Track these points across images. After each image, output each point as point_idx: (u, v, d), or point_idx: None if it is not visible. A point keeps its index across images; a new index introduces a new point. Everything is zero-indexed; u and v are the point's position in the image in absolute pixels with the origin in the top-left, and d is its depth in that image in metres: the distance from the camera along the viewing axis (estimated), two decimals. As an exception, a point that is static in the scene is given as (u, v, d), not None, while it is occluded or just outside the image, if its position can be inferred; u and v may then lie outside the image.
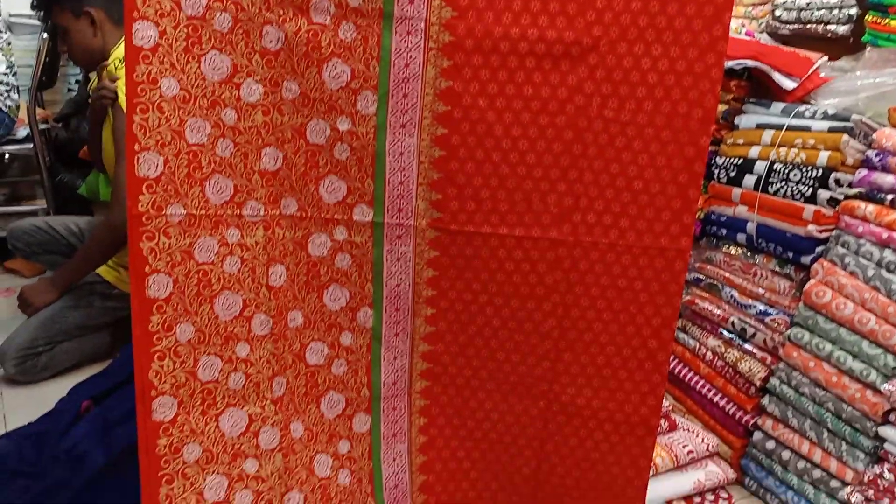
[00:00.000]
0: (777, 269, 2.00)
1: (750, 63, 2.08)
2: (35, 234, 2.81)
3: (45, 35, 3.34)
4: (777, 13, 2.54)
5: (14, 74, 3.49)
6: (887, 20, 2.20)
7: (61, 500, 1.83)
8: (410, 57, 1.39)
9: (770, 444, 1.98)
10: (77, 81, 3.89)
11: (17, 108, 3.57)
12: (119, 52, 2.41)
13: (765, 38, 2.53)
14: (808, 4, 2.44)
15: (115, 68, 2.41)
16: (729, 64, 2.10)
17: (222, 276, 1.40)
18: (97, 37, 2.41)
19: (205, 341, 1.40)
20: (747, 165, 2.07)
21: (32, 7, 2.47)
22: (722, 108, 2.16)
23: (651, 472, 1.72)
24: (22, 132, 3.60)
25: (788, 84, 2.06)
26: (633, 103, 1.41)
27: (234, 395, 1.44)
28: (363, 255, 1.49)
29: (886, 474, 1.69)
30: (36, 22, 3.66)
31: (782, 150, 1.99)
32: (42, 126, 3.59)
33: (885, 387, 1.69)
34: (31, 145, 3.48)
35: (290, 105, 1.38)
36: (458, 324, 1.55)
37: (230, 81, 1.33)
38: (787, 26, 2.52)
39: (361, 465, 1.60)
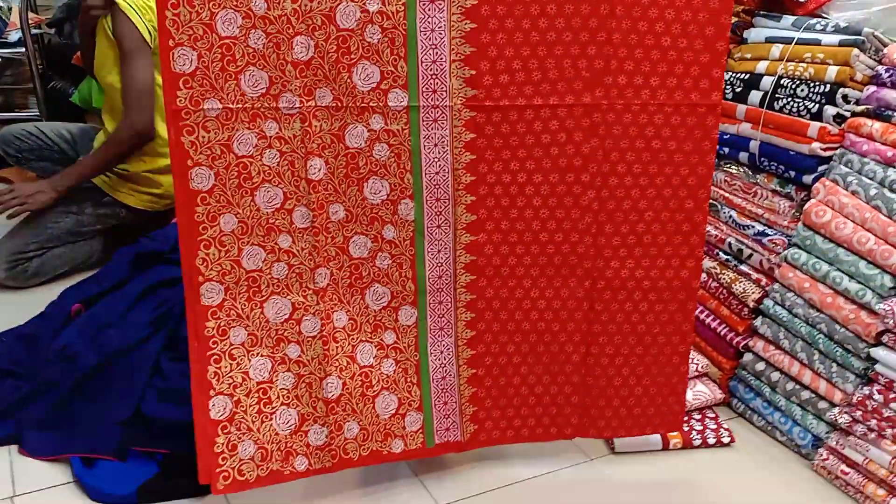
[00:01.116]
0: (778, 188, 1.96)
1: (762, -27, 2.00)
2: (26, 140, 2.78)
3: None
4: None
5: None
6: (908, -67, 2.10)
7: (52, 400, 1.85)
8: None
9: (760, 366, 1.97)
10: (71, -15, 3.78)
11: (9, 10, 3.49)
12: None
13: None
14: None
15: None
16: (740, -27, 2.03)
17: (262, 169, 1.44)
18: None
19: (248, 232, 1.46)
20: (754, 81, 2.00)
21: None
22: (732, 20, 2.08)
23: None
24: (14, 36, 3.53)
25: (800, -4, 1.98)
26: None
27: (277, 284, 1.50)
28: (401, 143, 1.49)
29: (875, 395, 1.69)
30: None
31: (790, 65, 1.92)
32: (34, 31, 3.51)
33: (880, 306, 1.67)
34: (23, 50, 3.42)
35: None
36: (498, 208, 1.56)
37: None
38: (804, -61, 2.41)
39: (407, 355, 1.62)
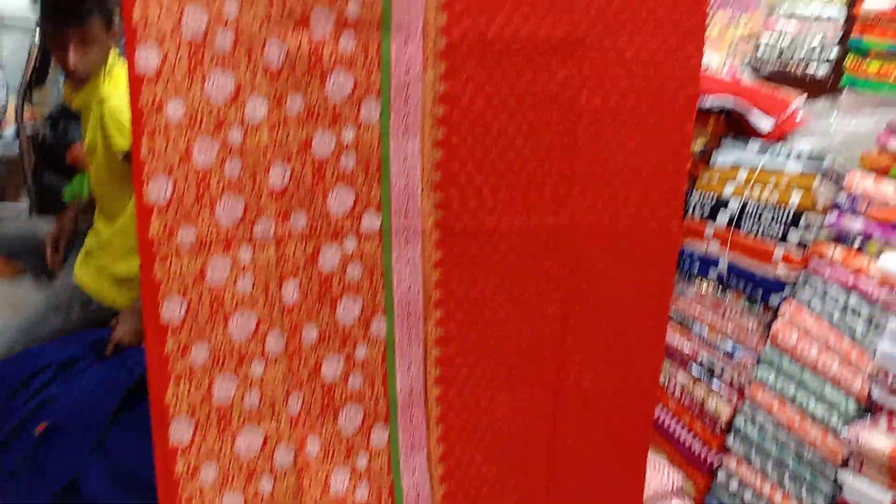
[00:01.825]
0: (746, 307, 2.01)
1: (728, 102, 2.09)
2: (17, 235, 2.80)
3: (38, 37, 3.35)
4: (760, 51, 2.56)
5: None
6: (867, 64, 2.21)
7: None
8: (410, 63, 1.42)
9: (734, 484, 1.98)
10: (68, 83, 3.89)
11: (5, 108, 3.58)
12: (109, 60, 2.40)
13: (748, 74, 2.55)
14: (790, 45, 2.46)
15: (103, 79, 2.40)
16: (707, 102, 2.12)
17: (235, 296, 1.41)
18: (94, 50, 2.29)
19: (220, 362, 1.42)
20: (721, 203, 2.08)
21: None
22: (699, 144, 2.17)
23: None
24: (9, 131, 3.61)
25: (765, 124, 2.07)
26: (619, 93, 1.47)
27: (249, 414, 1.46)
28: (373, 263, 1.51)
29: (844, 519, 1.70)
30: (29, 20, 3.67)
31: (756, 190, 2.00)
32: (29, 127, 3.59)
33: (844, 434, 1.69)
34: (17, 145, 3.48)
35: (294, 120, 1.40)
36: (466, 323, 1.58)
37: (235, 100, 1.35)
38: (770, 65, 2.53)
39: (381, 478, 1.61)
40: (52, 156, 3.62)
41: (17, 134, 3.46)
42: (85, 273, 2.53)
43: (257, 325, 1.45)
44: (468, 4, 1.39)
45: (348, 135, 1.43)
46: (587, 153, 1.50)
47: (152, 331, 1.37)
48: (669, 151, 1.51)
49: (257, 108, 1.37)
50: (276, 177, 1.40)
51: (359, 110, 1.42)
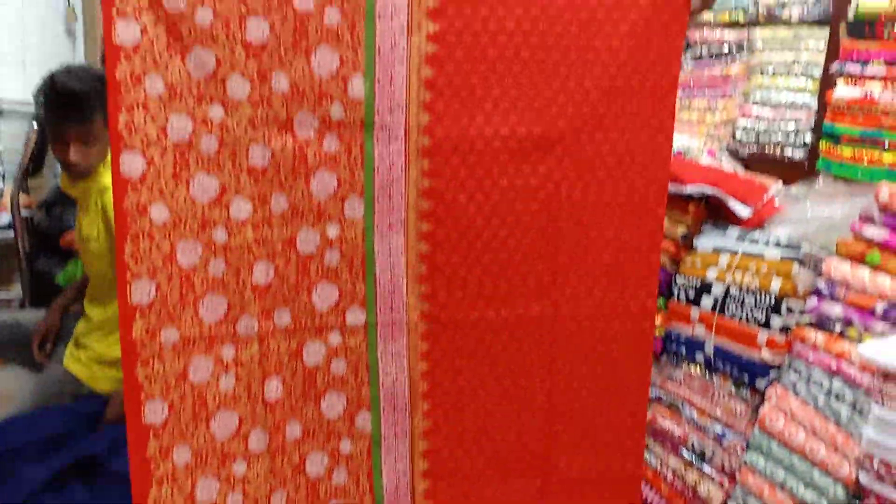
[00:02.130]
0: (733, 391, 2.04)
1: (707, 189, 2.16)
2: (3, 330, 2.81)
3: (36, 124, 3.42)
4: (738, 135, 2.65)
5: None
6: (840, 149, 2.29)
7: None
8: (393, 161, 1.47)
9: (728, 568, 1.98)
10: (63, 169, 3.94)
11: (0, 195, 3.62)
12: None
13: (727, 157, 2.63)
14: (766, 129, 2.55)
15: (103, 167, 2.44)
16: (687, 189, 2.19)
17: (218, 395, 1.44)
18: (95, 147, 2.35)
19: (202, 463, 1.43)
20: (705, 287, 2.13)
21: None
22: (681, 230, 2.23)
23: None
24: (4, 218, 3.64)
25: (743, 212, 2.14)
26: (596, 184, 1.54)
27: None
28: (358, 357, 1.53)
29: None
30: (26, 108, 3.74)
31: (738, 275, 2.05)
32: (25, 213, 3.63)
33: (834, 519, 1.71)
34: (12, 232, 3.52)
35: (279, 218, 1.44)
36: (454, 413, 1.60)
37: (219, 201, 1.40)
38: (747, 148, 2.62)
39: None
40: (46, 241, 3.66)
41: (13, 220, 3.49)
42: (75, 361, 2.54)
43: (240, 423, 1.47)
44: (449, 105, 1.46)
45: (332, 232, 1.47)
46: (568, 243, 1.56)
47: (134, 434, 1.38)
48: (644, 236, 1.58)
49: (241, 208, 1.41)
50: (260, 274, 1.44)
51: (343, 208, 1.47)
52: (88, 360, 2.55)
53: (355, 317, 1.51)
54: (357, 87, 1.41)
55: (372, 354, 1.54)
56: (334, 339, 1.51)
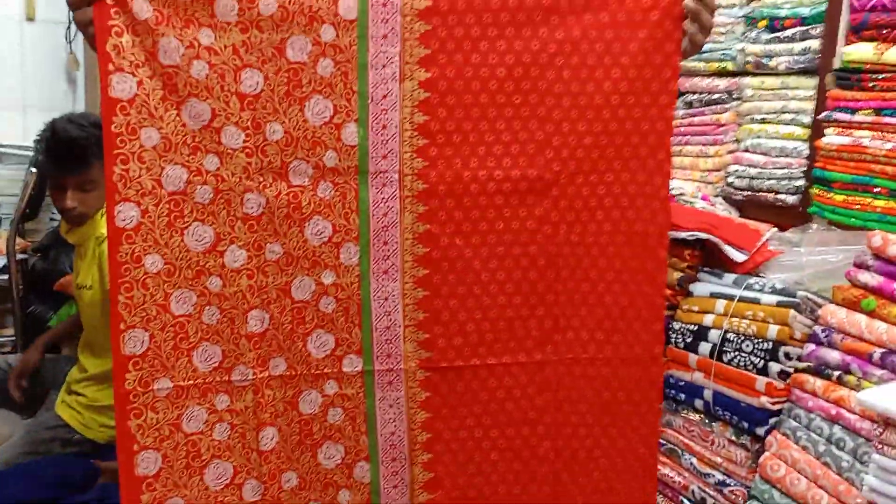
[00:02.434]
0: (733, 437, 2.04)
1: (702, 235, 2.19)
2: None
3: (34, 169, 3.43)
4: (730, 180, 2.69)
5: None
6: (831, 194, 2.33)
7: None
8: (388, 207, 1.48)
9: None
10: (59, 212, 3.95)
11: (-4, 238, 3.62)
12: None
13: (720, 202, 2.66)
14: (758, 174, 2.59)
15: (101, 216, 2.45)
16: (682, 235, 2.22)
17: (212, 445, 1.42)
18: (92, 195, 2.36)
19: None
20: (702, 333, 2.14)
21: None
22: (677, 275, 2.25)
23: None
24: (-1, 261, 3.64)
25: (738, 257, 2.17)
26: (594, 226, 1.54)
27: None
28: (355, 406, 1.52)
29: None
30: (23, 152, 3.76)
31: (734, 321, 2.07)
32: (20, 256, 3.63)
33: (837, 567, 1.71)
34: (7, 276, 3.51)
35: (274, 266, 1.44)
36: (455, 465, 1.58)
37: (214, 250, 1.40)
38: (741, 192, 2.66)
39: None
40: (40, 284, 3.65)
41: (7, 264, 3.49)
42: (66, 407, 2.52)
43: (234, 473, 1.45)
44: (443, 149, 1.47)
45: (328, 278, 1.47)
46: (568, 287, 1.55)
47: (127, 485, 1.37)
48: (646, 278, 1.56)
49: (236, 257, 1.42)
50: (255, 322, 1.43)
51: (338, 254, 1.47)
52: (80, 406, 2.52)
53: (352, 365, 1.51)
54: (351, 134, 1.43)
55: (370, 403, 1.53)
56: (331, 387, 1.50)
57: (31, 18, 3.82)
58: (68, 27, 3.87)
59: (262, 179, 1.41)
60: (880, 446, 1.62)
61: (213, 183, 1.38)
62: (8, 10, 3.78)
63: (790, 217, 2.49)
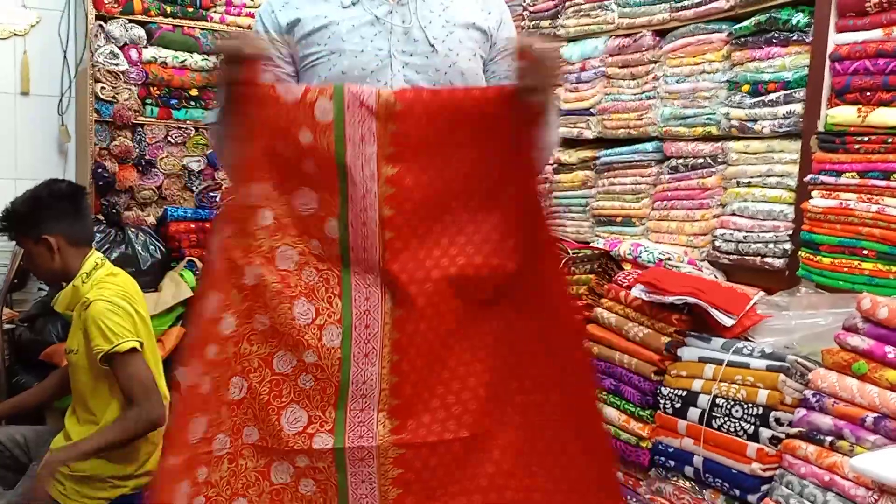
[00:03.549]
0: (725, 505, 1.99)
1: (689, 299, 2.17)
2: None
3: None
4: (717, 244, 2.68)
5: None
6: (819, 257, 2.32)
7: None
8: (370, 292, 1.50)
9: None
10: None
11: (-17, 310, 3.60)
12: (86, 266, 2.48)
13: (707, 266, 2.65)
14: (745, 237, 2.58)
15: (82, 282, 2.47)
16: (669, 299, 2.20)
17: None
18: (55, 260, 2.46)
19: None
20: (691, 398, 2.11)
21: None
22: (665, 340, 2.23)
23: None
24: (-15, 334, 3.61)
25: (726, 321, 2.14)
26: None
27: None
28: (327, 479, 1.50)
29: None
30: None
31: (724, 386, 2.03)
32: (7, 326, 3.61)
33: None
34: (-7, 345, 3.48)
35: (259, 336, 1.47)
36: None
37: (215, 317, 1.43)
38: (727, 256, 2.64)
39: None
40: (26, 355, 3.62)
41: (-6, 335, 3.47)
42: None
43: None
44: (407, 242, 1.50)
45: (310, 358, 1.48)
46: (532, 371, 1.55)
47: None
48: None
49: (230, 324, 1.44)
50: (235, 389, 1.45)
51: (321, 336, 1.48)
52: (62, 476, 2.48)
53: (323, 442, 1.50)
54: (332, 228, 1.48)
55: (341, 477, 1.51)
56: (301, 461, 1.50)
57: (25, 93, 3.92)
58: (60, 100, 3.97)
59: (258, 258, 1.46)
60: (875, 514, 1.57)
61: (223, 256, 1.45)
62: (4, 85, 3.90)
63: (778, 280, 2.47)
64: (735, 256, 2.62)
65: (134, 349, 2.37)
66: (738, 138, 2.66)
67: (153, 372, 2.42)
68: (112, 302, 2.38)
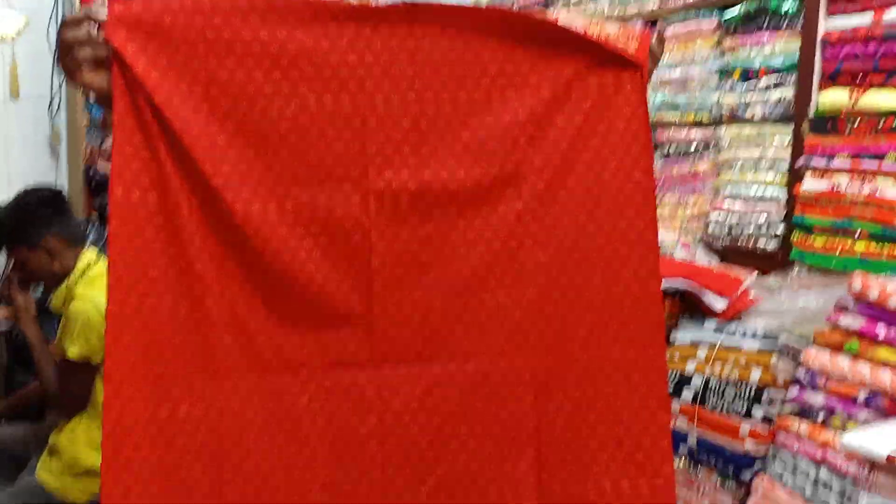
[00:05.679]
0: (719, 483, 2.01)
1: (682, 284, 2.18)
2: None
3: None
4: (710, 228, 2.70)
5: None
6: (812, 239, 2.33)
7: None
8: None
9: None
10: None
11: (-18, 309, 3.60)
12: (80, 265, 2.49)
13: (700, 251, 2.66)
14: (738, 222, 2.60)
15: (75, 281, 2.48)
16: (662, 284, 2.20)
17: None
18: (54, 263, 2.47)
19: None
20: (684, 380, 2.12)
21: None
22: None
23: None
24: (-17, 331, 3.62)
25: (718, 305, 2.16)
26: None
27: None
28: None
29: None
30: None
31: (717, 367, 2.05)
32: (4, 327, 3.61)
33: None
34: (-8, 346, 3.49)
35: None
36: None
37: None
38: (721, 241, 2.66)
39: None
40: (23, 354, 3.62)
41: (-7, 337, 3.48)
42: (48, 471, 2.50)
43: None
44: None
45: None
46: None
47: None
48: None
49: None
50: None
51: None
52: (61, 471, 2.50)
53: None
54: None
55: None
56: None
57: (15, 96, 3.91)
58: (50, 102, 3.97)
59: None
60: (868, 487, 1.59)
61: None
62: (-7, 90, 3.88)
63: (771, 264, 2.49)
64: (728, 240, 2.64)
65: (88, 363, 2.39)
66: (730, 123, 2.68)
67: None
68: (97, 309, 2.35)
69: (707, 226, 2.71)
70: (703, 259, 2.60)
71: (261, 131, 1.36)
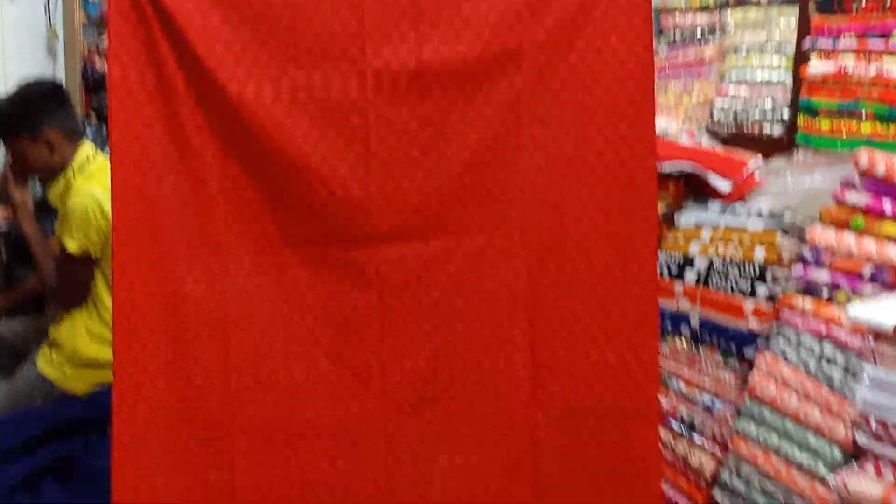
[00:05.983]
0: (721, 361, 2.04)
1: (686, 166, 2.17)
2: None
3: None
4: (716, 115, 2.67)
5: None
6: (818, 122, 2.32)
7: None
8: None
9: (725, 540, 1.98)
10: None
11: (-20, 206, 3.57)
12: (78, 158, 2.45)
13: (706, 138, 2.64)
14: (743, 108, 2.57)
15: (74, 175, 2.44)
16: (666, 167, 2.19)
17: None
18: (54, 156, 2.43)
19: None
20: (688, 261, 2.13)
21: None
22: (662, 207, 2.23)
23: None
24: (-16, 228, 3.60)
25: (723, 186, 2.15)
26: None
27: None
28: None
29: (837, 569, 1.70)
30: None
31: (721, 247, 2.06)
32: (3, 227, 3.58)
33: (832, 482, 1.71)
34: (-7, 243, 3.47)
35: None
36: None
37: None
38: (726, 127, 2.64)
39: None
40: (23, 251, 3.60)
41: (-7, 233, 3.46)
42: (48, 363, 2.52)
43: None
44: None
45: None
46: None
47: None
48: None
49: None
50: None
51: None
52: (61, 362, 2.51)
53: None
54: None
55: None
56: None
57: (11, -2, 3.78)
58: (47, 2, 3.86)
59: None
60: (874, 358, 1.61)
61: None
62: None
63: (777, 149, 2.48)
64: (734, 126, 2.62)
65: (88, 257, 2.38)
66: (736, 7, 2.62)
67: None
68: (96, 203, 2.32)
69: (712, 113, 2.68)
70: (708, 146, 2.58)
71: (255, 9, 1.33)
